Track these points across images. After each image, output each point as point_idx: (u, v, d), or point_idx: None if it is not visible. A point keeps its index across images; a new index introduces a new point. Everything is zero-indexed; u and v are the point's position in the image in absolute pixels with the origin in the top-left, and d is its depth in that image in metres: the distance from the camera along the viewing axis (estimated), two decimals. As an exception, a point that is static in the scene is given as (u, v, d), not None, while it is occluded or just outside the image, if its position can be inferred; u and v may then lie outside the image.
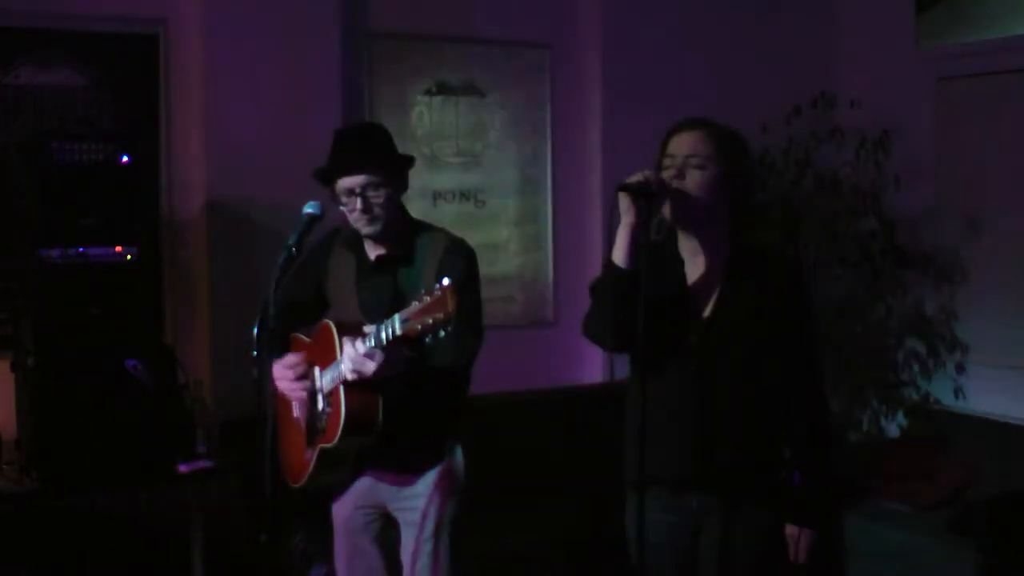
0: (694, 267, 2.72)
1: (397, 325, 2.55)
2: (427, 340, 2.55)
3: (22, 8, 4.25)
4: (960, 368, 5.30)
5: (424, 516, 3.03)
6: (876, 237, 5.27)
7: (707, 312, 2.69)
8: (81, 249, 3.74)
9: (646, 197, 2.51)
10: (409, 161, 3.04)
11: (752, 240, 2.74)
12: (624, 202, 2.52)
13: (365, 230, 2.95)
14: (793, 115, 5.33)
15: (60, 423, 3.71)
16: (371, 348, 2.63)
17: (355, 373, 2.68)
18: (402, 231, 3.00)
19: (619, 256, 2.56)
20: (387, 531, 3.16)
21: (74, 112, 4.32)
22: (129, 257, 3.81)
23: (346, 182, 2.91)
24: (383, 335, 2.62)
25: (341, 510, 3.21)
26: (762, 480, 2.72)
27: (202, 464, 3.96)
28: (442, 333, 2.46)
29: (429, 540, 2.99)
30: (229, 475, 3.92)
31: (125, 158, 3.82)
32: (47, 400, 3.71)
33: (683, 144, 2.63)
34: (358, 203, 2.90)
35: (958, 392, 5.29)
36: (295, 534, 4.17)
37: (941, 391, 5.35)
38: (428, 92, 5.05)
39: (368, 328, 2.70)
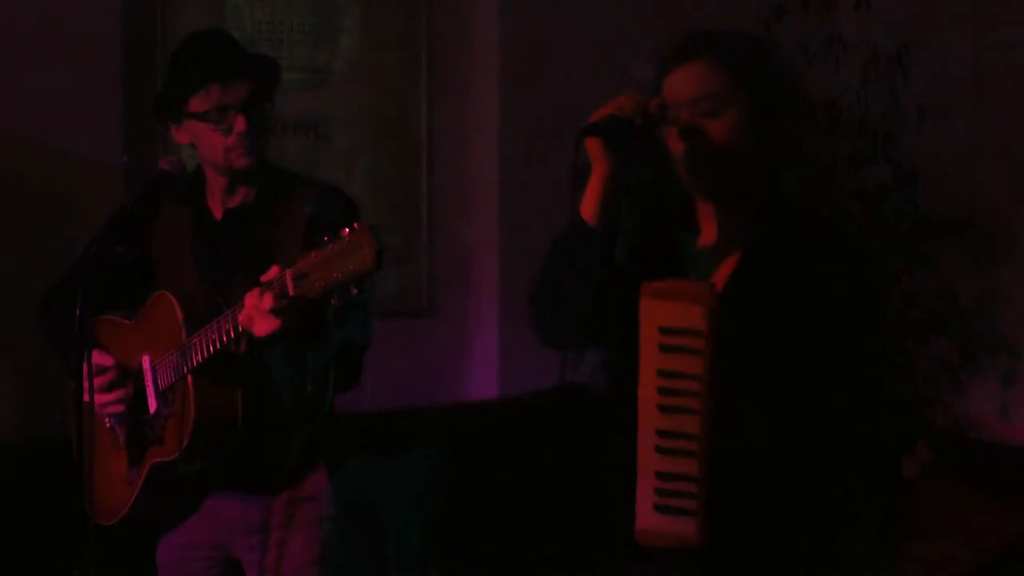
0: (708, 243, 2.61)
1: (289, 283, 2.49)
2: (332, 302, 2.48)
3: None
4: (1007, 379, 4.93)
5: (278, 558, 2.93)
6: (890, 194, 4.84)
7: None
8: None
9: (623, 137, 2.40)
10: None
11: (787, 203, 2.59)
12: (592, 148, 2.43)
13: (239, 163, 2.89)
14: (774, 19, 4.71)
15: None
16: (278, 303, 2.56)
17: (250, 329, 2.61)
18: (261, 173, 2.99)
19: (587, 209, 2.48)
20: None
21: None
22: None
23: (224, 94, 2.85)
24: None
25: (167, 553, 3.07)
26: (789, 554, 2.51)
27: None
28: (355, 291, 2.43)
29: None
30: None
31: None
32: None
33: (683, 85, 2.47)
34: (240, 123, 2.84)
35: (1004, 413, 4.93)
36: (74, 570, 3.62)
37: (980, 411, 4.96)
38: (250, -23, 4.72)
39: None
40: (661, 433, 2.32)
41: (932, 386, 4.92)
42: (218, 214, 2.99)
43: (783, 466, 2.52)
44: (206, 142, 2.91)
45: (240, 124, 2.87)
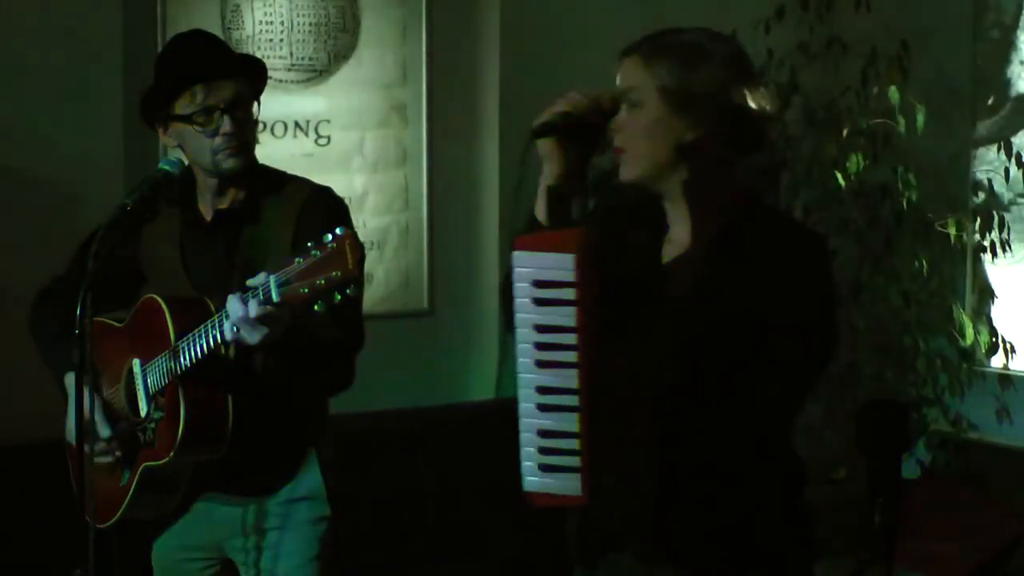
0: (672, 243, 2.60)
1: (273, 290, 2.52)
2: (316, 308, 2.50)
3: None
4: (1006, 380, 4.95)
5: (273, 559, 2.94)
6: (890, 193, 4.87)
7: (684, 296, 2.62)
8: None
9: (574, 134, 2.40)
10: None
11: (749, 203, 2.57)
12: (545, 148, 2.42)
13: (227, 164, 2.90)
14: (774, 19, 4.83)
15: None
16: (262, 310, 2.59)
17: (237, 336, 2.65)
18: (251, 174, 3.00)
19: (542, 209, 2.47)
20: None
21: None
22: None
23: (209, 95, 2.86)
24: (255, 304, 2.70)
25: (162, 554, 3.08)
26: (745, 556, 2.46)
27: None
28: (338, 297, 2.46)
29: None
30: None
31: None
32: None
33: (620, 78, 2.55)
34: (227, 124, 2.85)
35: (1002, 414, 4.94)
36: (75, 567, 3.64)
37: (978, 413, 4.98)
38: (250, -24, 4.72)
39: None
40: (541, 389, 2.30)
41: (932, 386, 4.95)
42: (208, 216, 2.99)
43: (743, 462, 2.48)
44: (193, 144, 2.91)
45: (227, 125, 2.87)
